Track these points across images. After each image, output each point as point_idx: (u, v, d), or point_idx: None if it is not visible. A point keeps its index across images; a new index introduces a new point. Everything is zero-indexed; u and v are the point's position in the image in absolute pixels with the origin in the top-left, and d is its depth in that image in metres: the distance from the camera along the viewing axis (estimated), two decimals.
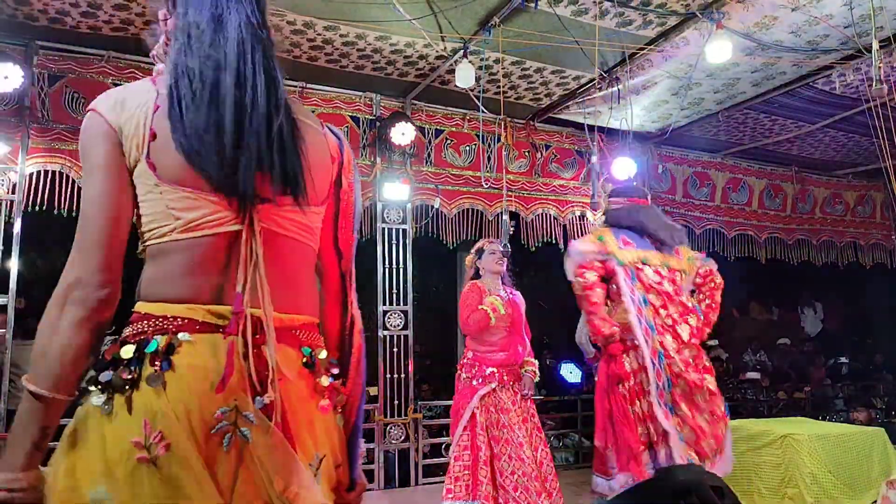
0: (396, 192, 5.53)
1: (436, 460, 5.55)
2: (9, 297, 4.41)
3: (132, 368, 1.06)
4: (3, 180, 4.48)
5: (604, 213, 3.45)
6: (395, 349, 5.44)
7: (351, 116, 5.56)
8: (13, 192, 4.48)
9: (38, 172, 4.55)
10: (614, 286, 3.11)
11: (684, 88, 5.41)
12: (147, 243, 1.14)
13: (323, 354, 1.23)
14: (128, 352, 1.07)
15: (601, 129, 6.20)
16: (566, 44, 4.53)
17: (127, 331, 1.12)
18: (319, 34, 4.62)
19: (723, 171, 7.20)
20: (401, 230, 5.65)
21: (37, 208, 4.55)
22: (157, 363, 1.05)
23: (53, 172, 4.58)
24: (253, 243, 1.10)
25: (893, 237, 8.00)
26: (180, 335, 1.07)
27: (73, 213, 4.63)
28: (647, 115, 6.06)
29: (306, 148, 1.17)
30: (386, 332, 5.44)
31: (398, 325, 5.49)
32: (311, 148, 1.19)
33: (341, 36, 4.66)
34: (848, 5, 4.11)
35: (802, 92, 5.49)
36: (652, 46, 4.76)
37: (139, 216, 1.15)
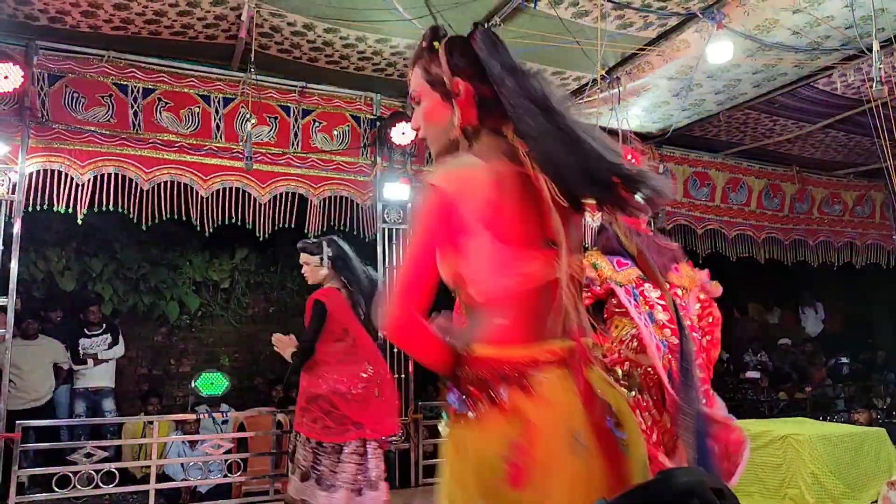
0: (397, 192, 5.52)
1: (436, 461, 5.54)
2: (9, 298, 4.40)
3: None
4: (3, 180, 4.47)
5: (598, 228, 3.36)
6: (396, 350, 5.43)
7: (352, 115, 5.56)
8: (13, 192, 4.48)
9: (38, 172, 4.55)
10: (614, 301, 3.05)
11: (685, 90, 5.40)
12: None
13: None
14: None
15: (601, 130, 6.19)
16: (567, 44, 4.52)
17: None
18: (320, 36, 4.62)
19: (723, 171, 7.18)
20: (401, 230, 5.65)
21: (37, 208, 4.55)
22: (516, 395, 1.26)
23: (53, 172, 4.58)
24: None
25: (894, 237, 7.98)
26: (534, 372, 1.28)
27: (73, 213, 4.62)
28: (647, 115, 6.05)
29: None
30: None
31: None
32: None
33: (342, 38, 4.65)
34: (849, 7, 4.11)
35: (803, 92, 5.48)
36: (652, 48, 4.75)
37: None
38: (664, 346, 2.88)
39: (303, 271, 3.86)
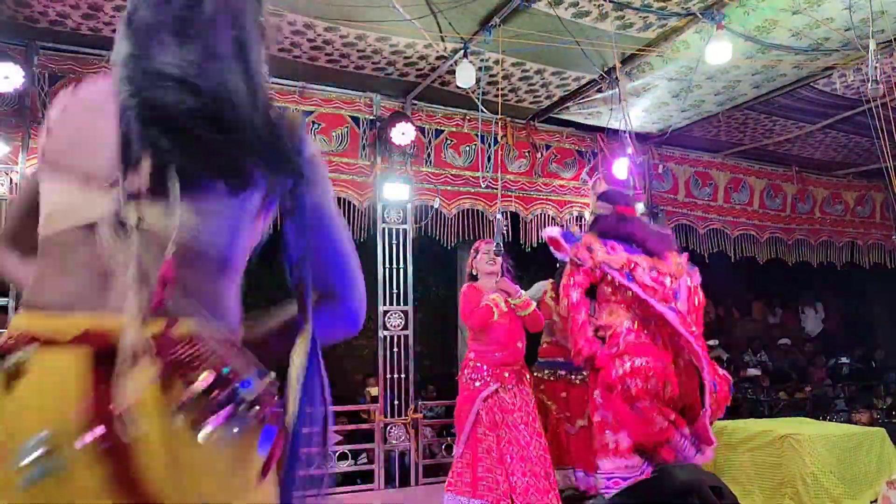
0: (396, 193, 5.52)
1: (436, 460, 5.55)
2: (9, 298, 4.40)
3: None
4: (3, 181, 4.48)
5: (592, 216, 3.47)
6: (396, 349, 5.44)
7: (351, 116, 5.56)
8: (13, 193, 4.48)
9: None
10: (608, 289, 3.13)
11: (685, 91, 5.40)
12: None
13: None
14: None
15: (601, 129, 6.21)
16: (566, 44, 4.53)
17: None
18: (319, 35, 4.62)
19: (723, 171, 7.19)
20: (401, 230, 5.65)
21: None
22: None
23: None
24: None
25: (894, 237, 7.98)
26: None
27: None
28: (647, 115, 6.05)
29: None
30: (386, 333, 5.45)
31: (398, 326, 5.49)
32: None
33: (341, 37, 4.65)
34: (849, 9, 4.11)
35: (802, 93, 5.48)
36: (652, 49, 4.76)
37: None
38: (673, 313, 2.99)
39: None
